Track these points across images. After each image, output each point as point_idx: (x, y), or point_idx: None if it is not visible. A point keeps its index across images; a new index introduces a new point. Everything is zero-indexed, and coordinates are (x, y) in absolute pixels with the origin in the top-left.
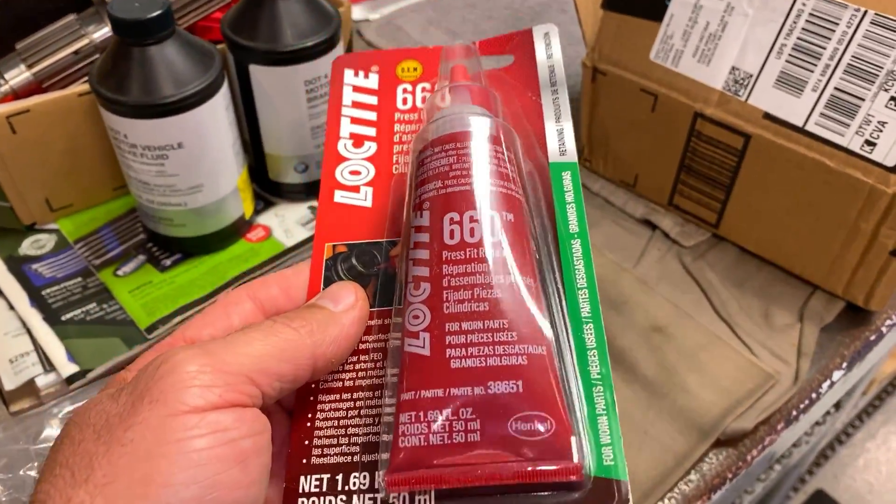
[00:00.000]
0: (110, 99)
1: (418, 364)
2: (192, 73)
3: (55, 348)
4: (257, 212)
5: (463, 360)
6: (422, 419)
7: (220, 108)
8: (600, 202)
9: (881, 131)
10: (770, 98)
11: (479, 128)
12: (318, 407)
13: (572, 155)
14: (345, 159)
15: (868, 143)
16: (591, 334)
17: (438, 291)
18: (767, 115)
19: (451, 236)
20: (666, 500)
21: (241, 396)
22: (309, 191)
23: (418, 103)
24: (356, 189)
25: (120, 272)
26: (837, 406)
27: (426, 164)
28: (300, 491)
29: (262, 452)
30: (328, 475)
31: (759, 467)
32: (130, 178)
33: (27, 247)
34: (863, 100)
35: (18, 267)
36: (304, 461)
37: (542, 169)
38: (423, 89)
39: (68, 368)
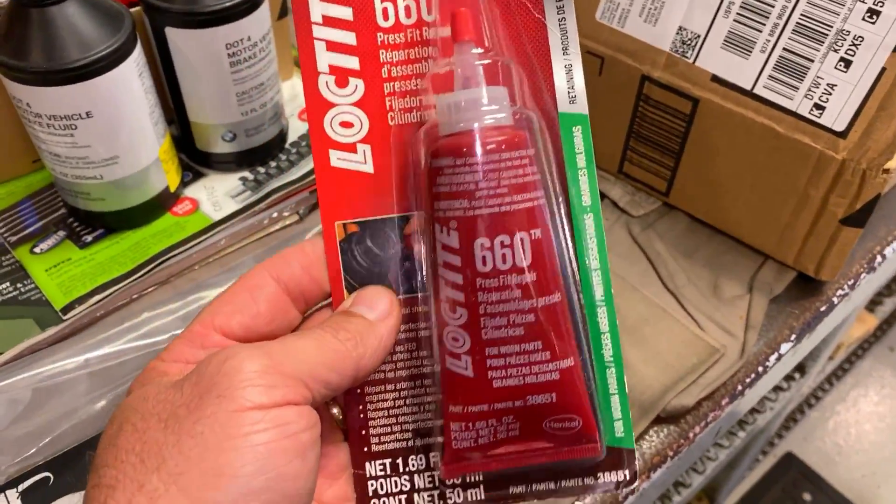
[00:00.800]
0: (9, 65)
1: (462, 384)
2: (98, 37)
3: None
4: (185, 183)
5: (503, 379)
6: (470, 427)
7: (131, 74)
8: None
9: (830, 94)
10: (718, 60)
11: (500, 124)
12: (367, 399)
13: (583, 104)
14: (331, 105)
15: (817, 106)
16: (604, 318)
17: (475, 318)
18: (715, 78)
19: (484, 263)
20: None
21: (297, 396)
22: (240, 160)
23: (402, 17)
24: (352, 148)
25: (37, 249)
26: (802, 371)
27: (447, 174)
28: (367, 475)
29: (316, 445)
30: (389, 459)
31: (704, 442)
32: (41, 149)
33: None
34: (812, 61)
35: None
36: (366, 449)
37: (551, 121)
38: (405, 3)
39: None
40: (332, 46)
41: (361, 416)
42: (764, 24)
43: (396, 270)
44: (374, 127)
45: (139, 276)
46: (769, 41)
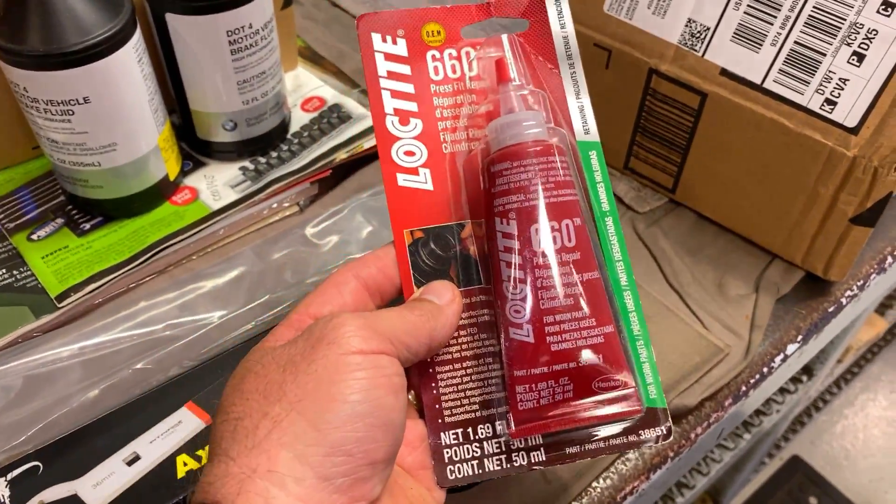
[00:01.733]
0: (7, 49)
1: (525, 349)
2: (96, 21)
3: None
4: (185, 172)
5: (559, 343)
6: (532, 388)
7: (130, 59)
8: None
9: (842, 89)
10: (727, 53)
11: (540, 138)
12: (438, 376)
13: (595, 134)
14: (396, 138)
15: (828, 101)
16: (630, 300)
17: (534, 291)
18: (725, 72)
19: (539, 245)
20: (601, 480)
21: (388, 348)
22: (240, 150)
23: (449, 73)
24: (415, 171)
25: (34, 236)
26: (810, 374)
27: (504, 176)
28: (443, 444)
29: (405, 388)
30: (461, 429)
31: (706, 443)
32: (39, 136)
33: None
34: (824, 55)
35: None
36: (440, 420)
37: (572, 147)
38: (451, 56)
39: None
40: (396, 94)
41: (434, 392)
42: (775, 17)
43: (457, 267)
44: (431, 154)
45: (136, 265)
46: (780, 34)
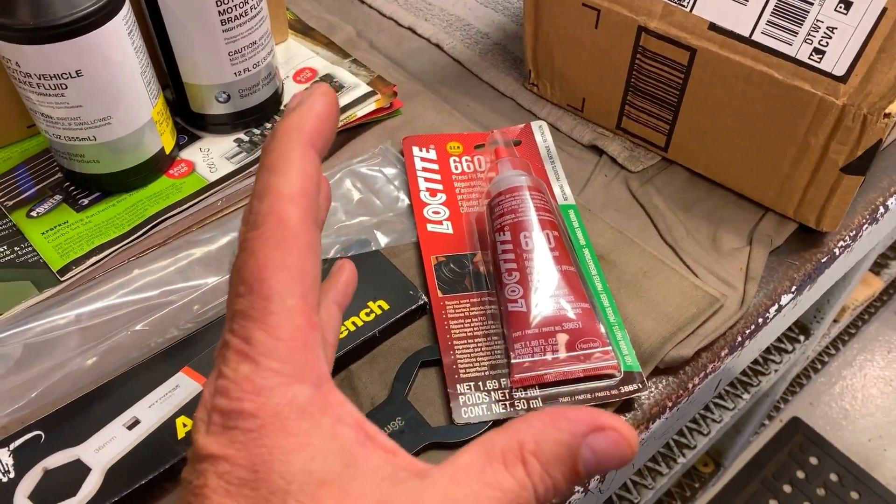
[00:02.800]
0: None
1: (520, 315)
2: None
3: None
4: (181, 146)
5: (546, 311)
6: (527, 346)
7: (120, 31)
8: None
9: (830, 38)
10: (715, 7)
11: (527, 182)
12: (455, 347)
13: (570, 199)
14: (426, 204)
15: (817, 51)
16: (605, 301)
17: (524, 275)
18: (713, 26)
19: (527, 245)
20: None
21: None
22: (234, 122)
23: (465, 168)
24: (440, 223)
25: (34, 213)
26: (807, 334)
27: (502, 204)
28: (458, 392)
29: None
30: (473, 382)
31: (704, 395)
32: (33, 112)
33: None
34: (811, 4)
35: None
36: (456, 376)
37: (554, 204)
38: (466, 160)
39: None
40: (428, 180)
41: (452, 357)
42: None
43: (470, 278)
44: (452, 213)
45: (135, 238)
46: None
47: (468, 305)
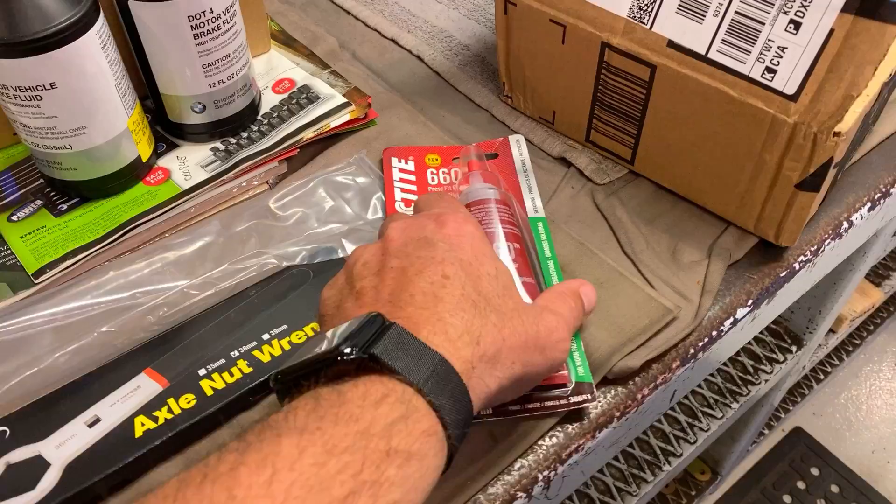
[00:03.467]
0: None
1: None
2: (59, 9)
3: None
4: (159, 154)
5: None
6: None
7: (94, 45)
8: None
9: (781, 57)
10: (673, 25)
11: (494, 195)
12: None
13: (541, 211)
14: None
15: (769, 70)
16: None
17: None
18: (671, 43)
19: None
20: (547, 439)
21: None
22: (211, 131)
23: (441, 181)
24: None
25: (14, 217)
26: (799, 344)
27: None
28: None
29: None
30: None
31: (657, 405)
32: (13, 121)
33: None
34: (763, 24)
35: None
36: None
37: (523, 217)
38: (443, 172)
39: None
40: (404, 190)
41: None
42: None
43: None
44: None
45: (109, 243)
46: (721, 4)
47: None
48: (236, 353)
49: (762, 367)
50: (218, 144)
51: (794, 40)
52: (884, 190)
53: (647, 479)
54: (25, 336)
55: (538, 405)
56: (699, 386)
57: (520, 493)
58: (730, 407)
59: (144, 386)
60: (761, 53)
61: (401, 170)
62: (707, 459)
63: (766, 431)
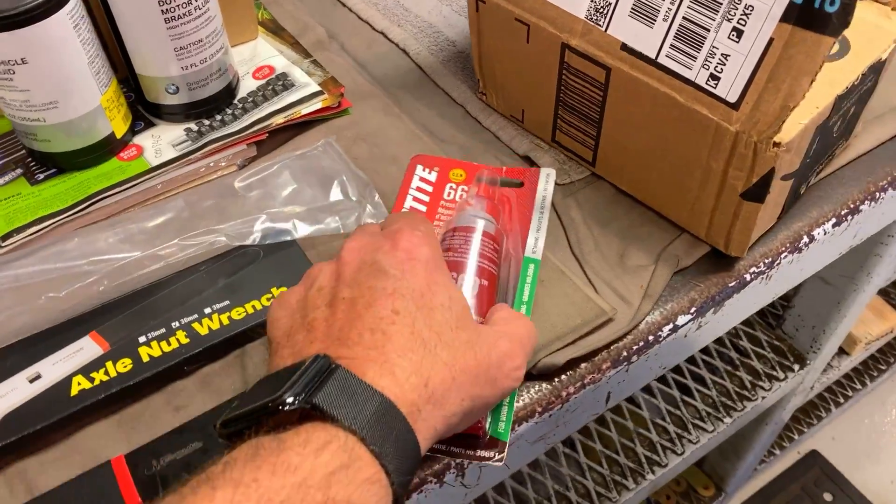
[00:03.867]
0: None
1: None
2: None
3: None
4: (136, 132)
5: None
6: None
7: (65, 23)
8: (489, 137)
9: (724, 64)
10: (627, 28)
11: (484, 227)
12: None
13: (539, 253)
14: None
15: (713, 76)
16: None
17: None
18: (624, 47)
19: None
20: None
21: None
22: (186, 112)
23: (457, 197)
24: None
25: None
26: (802, 363)
27: (449, 239)
28: None
29: None
30: None
31: (589, 406)
32: None
33: None
34: (708, 30)
35: None
36: None
37: (517, 259)
38: (462, 189)
39: None
40: (416, 199)
41: None
42: None
43: None
44: None
45: (76, 213)
46: (671, 10)
47: None
48: (177, 324)
49: (760, 383)
50: (192, 125)
51: (736, 48)
52: (852, 206)
53: (629, 486)
54: None
55: (443, 447)
56: (692, 397)
57: (431, 479)
58: (722, 421)
59: (87, 348)
60: (706, 60)
61: (422, 178)
62: (711, 474)
63: (778, 452)
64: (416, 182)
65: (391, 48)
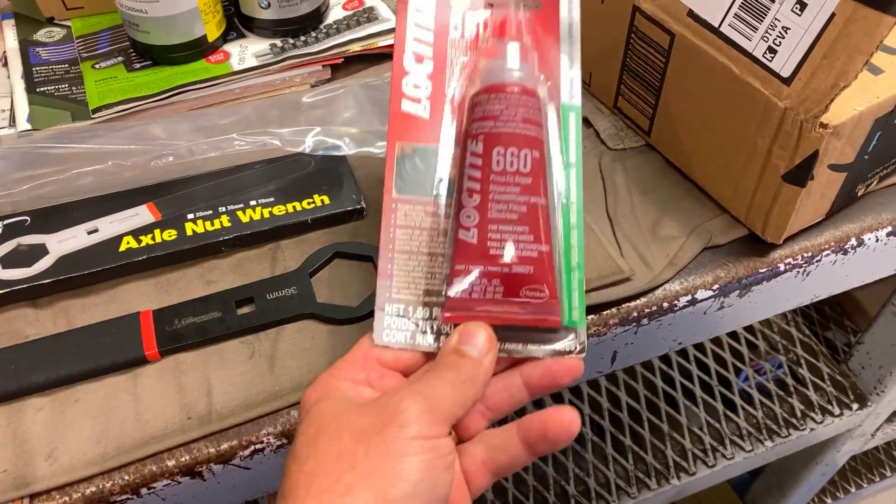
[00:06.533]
0: None
1: (467, 248)
2: None
3: (22, 110)
4: (227, 40)
5: (497, 248)
6: (466, 282)
7: None
8: None
9: (783, 38)
10: None
11: (521, 82)
12: (395, 260)
13: (578, 100)
14: (407, 73)
15: (770, 49)
16: (574, 237)
17: (485, 201)
18: (691, 13)
19: (497, 165)
20: None
21: (444, 431)
22: (274, 28)
23: (467, 34)
24: (417, 100)
25: (98, 66)
26: (863, 403)
27: (482, 105)
28: (385, 312)
29: (455, 460)
30: (402, 305)
31: (590, 361)
32: None
33: (41, 35)
34: (773, 1)
35: (27, 48)
36: (387, 294)
37: (555, 106)
38: (473, 20)
39: (23, 126)
40: (417, 39)
41: (389, 270)
42: None
43: (433, 181)
44: (434, 90)
45: (159, 100)
46: None
47: (422, 214)
48: (223, 209)
49: (812, 414)
50: (277, 41)
51: (797, 21)
52: None
53: (651, 486)
54: (65, 154)
55: (519, 347)
56: (735, 413)
57: None
58: (762, 444)
59: (142, 215)
60: (766, 32)
61: (418, 10)
62: (746, 498)
63: (830, 501)
64: (412, 19)
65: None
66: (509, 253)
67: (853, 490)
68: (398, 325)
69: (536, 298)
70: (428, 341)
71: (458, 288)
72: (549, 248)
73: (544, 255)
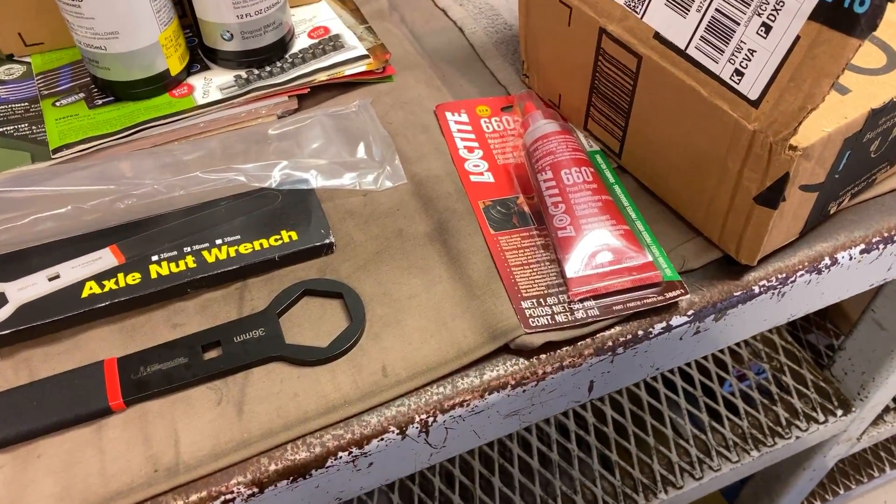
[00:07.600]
0: None
1: (570, 240)
2: None
3: None
4: (191, 72)
5: (592, 232)
6: (579, 264)
7: None
8: None
9: (750, 60)
10: (661, 16)
11: (559, 128)
12: (513, 271)
13: (595, 146)
14: (466, 159)
15: (737, 72)
16: (639, 225)
17: (570, 206)
18: (657, 35)
19: (567, 180)
20: (436, 387)
21: None
22: (238, 60)
23: (495, 127)
24: (481, 174)
25: (58, 103)
26: (847, 409)
27: (540, 148)
28: (524, 307)
29: None
30: (535, 299)
31: (567, 391)
32: (66, 19)
33: (0, 73)
34: (738, 24)
35: None
36: (519, 294)
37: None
38: (496, 121)
39: None
40: (464, 139)
41: (512, 279)
42: None
43: (516, 217)
44: (490, 165)
45: (121, 137)
46: (704, 0)
47: (518, 239)
48: (188, 249)
49: (797, 422)
50: (242, 73)
51: (763, 44)
52: (886, 235)
53: (639, 501)
54: (24, 198)
55: (638, 303)
56: (721, 424)
57: (392, 428)
58: (748, 454)
59: (104, 258)
60: (733, 54)
61: (456, 122)
62: None
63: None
64: (453, 127)
65: (449, 25)
66: (603, 234)
67: (842, 492)
68: (538, 312)
69: (635, 262)
70: (564, 318)
71: (574, 269)
72: (628, 227)
73: (628, 232)
